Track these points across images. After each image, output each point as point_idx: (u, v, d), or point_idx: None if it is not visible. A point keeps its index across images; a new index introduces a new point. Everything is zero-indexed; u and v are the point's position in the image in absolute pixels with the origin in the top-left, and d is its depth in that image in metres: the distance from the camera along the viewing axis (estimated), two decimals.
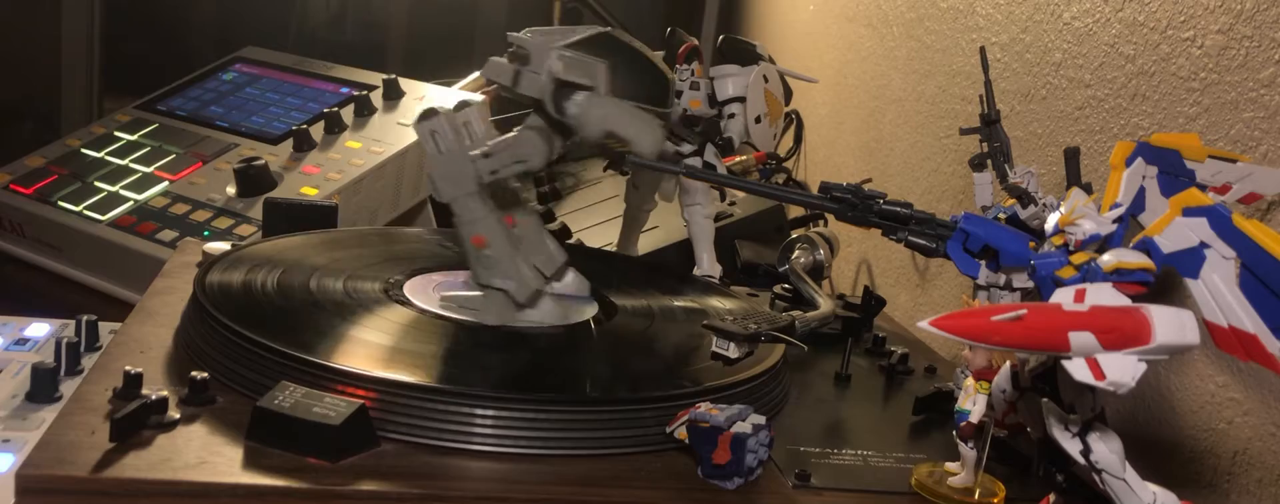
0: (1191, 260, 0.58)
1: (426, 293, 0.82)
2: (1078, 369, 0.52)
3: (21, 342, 0.85)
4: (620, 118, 0.76)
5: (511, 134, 0.78)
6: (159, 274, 0.90)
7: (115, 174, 1.31)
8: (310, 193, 1.22)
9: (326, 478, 0.58)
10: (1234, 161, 0.69)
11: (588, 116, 0.75)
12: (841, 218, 0.72)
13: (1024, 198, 0.70)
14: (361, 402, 0.62)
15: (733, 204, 1.25)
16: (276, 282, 0.80)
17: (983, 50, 0.86)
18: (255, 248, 0.89)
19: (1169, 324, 0.52)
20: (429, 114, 0.76)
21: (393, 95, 1.39)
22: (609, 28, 0.80)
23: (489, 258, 0.77)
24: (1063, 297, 0.55)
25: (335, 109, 1.35)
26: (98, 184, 1.30)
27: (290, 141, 1.32)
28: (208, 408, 0.64)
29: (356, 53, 1.73)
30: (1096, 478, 0.59)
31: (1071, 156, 0.72)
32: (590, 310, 0.84)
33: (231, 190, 1.24)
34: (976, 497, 0.65)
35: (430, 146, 0.76)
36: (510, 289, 0.78)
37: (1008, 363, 0.66)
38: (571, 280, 0.84)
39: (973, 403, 0.65)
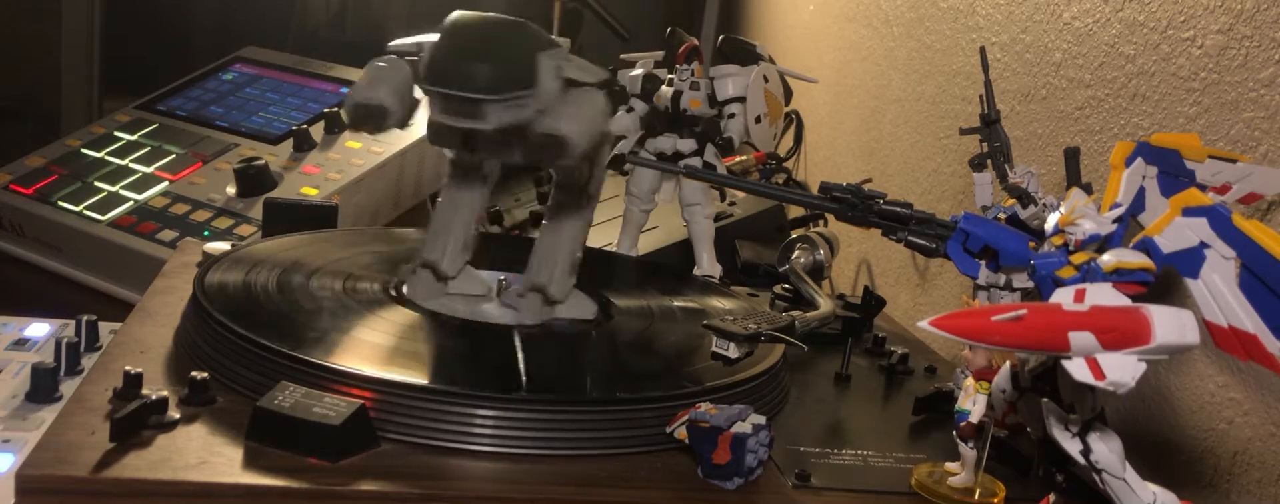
0: (1191, 260, 0.58)
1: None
2: (1078, 369, 0.52)
3: (21, 342, 0.85)
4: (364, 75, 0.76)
5: None
6: (159, 274, 0.90)
7: (115, 174, 1.31)
8: (310, 193, 1.22)
9: (326, 478, 0.58)
10: (1234, 161, 0.69)
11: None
12: (841, 218, 0.72)
13: (1024, 198, 0.70)
14: (361, 402, 0.62)
15: (733, 204, 1.25)
16: (276, 282, 0.80)
17: (983, 50, 0.86)
18: (255, 248, 0.89)
19: (1169, 324, 0.52)
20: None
21: None
22: (625, 33, 0.80)
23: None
24: (1063, 297, 0.55)
25: (335, 109, 1.35)
26: (98, 184, 1.30)
27: (290, 141, 1.32)
28: (208, 408, 0.64)
29: (356, 53, 1.73)
30: (1096, 478, 0.59)
31: (1071, 156, 0.72)
32: (590, 310, 0.84)
33: (231, 190, 1.24)
34: (976, 497, 0.65)
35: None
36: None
37: (1008, 363, 0.66)
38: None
39: (973, 403, 0.65)
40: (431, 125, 0.76)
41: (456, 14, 0.75)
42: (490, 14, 0.75)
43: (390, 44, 0.77)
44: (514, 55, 0.72)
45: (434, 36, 0.74)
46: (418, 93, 0.75)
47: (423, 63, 0.73)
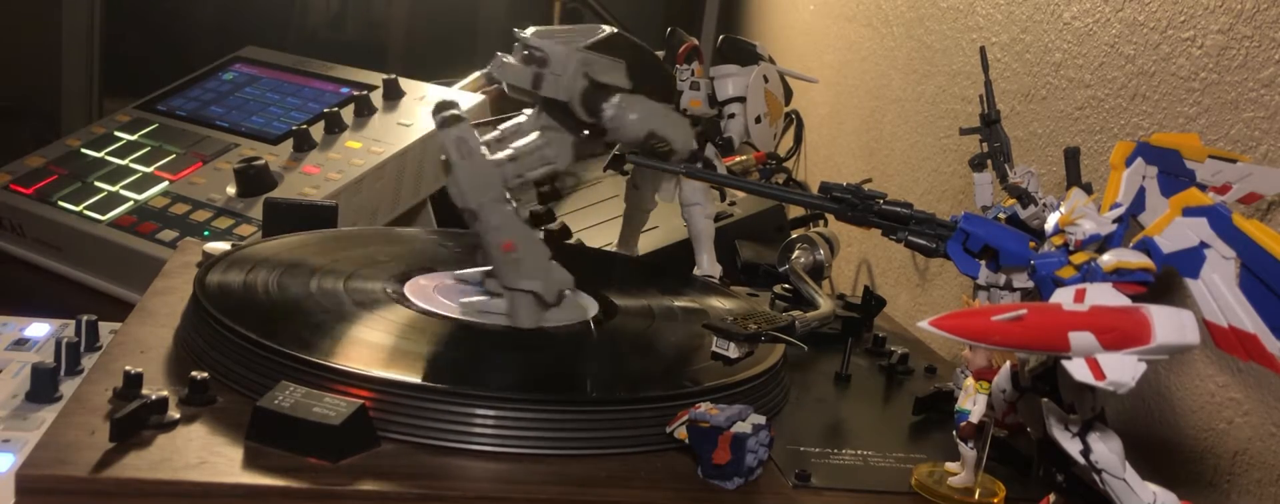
0: (1191, 260, 0.58)
1: (427, 293, 0.82)
2: (1078, 369, 0.52)
3: (21, 342, 0.85)
4: (659, 117, 0.78)
5: (532, 138, 0.78)
6: (159, 274, 0.90)
7: (115, 174, 1.31)
8: (310, 193, 1.22)
9: (326, 478, 0.58)
10: (1234, 161, 0.69)
11: (626, 117, 0.76)
12: (841, 218, 0.72)
13: (1024, 198, 0.70)
14: (361, 402, 0.62)
15: (733, 204, 1.25)
16: (276, 282, 0.80)
17: (983, 50, 0.86)
18: (255, 248, 0.89)
19: (1169, 324, 0.52)
20: (451, 120, 0.75)
21: (393, 95, 1.39)
22: (617, 29, 0.80)
23: (518, 261, 0.77)
24: (1063, 297, 0.55)
25: (335, 109, 1.35)
26: (98, 184, 1.30)
27: (290, 141, 1.32)
28: (208, 408, 0.64)
29: (356, 53, 1.73)
30: (1096, 478, 0.59)
31: (1071, 156, 0.72)
32: (592, 309, 0.84)
33: (231, 190, 1.24)
34: (976, 497, 0.65)
35: (454, 154, 0.75)
36: (538, 290, 0.78)
37: (1008, 363, 0.66)
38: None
39: (973, 403, 0.65)
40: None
41: (627, 38, 0.79)
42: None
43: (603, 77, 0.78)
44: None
45: (608, 62, 0.77)
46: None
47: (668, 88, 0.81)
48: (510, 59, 0.78)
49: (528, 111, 0.82)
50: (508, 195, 0.77)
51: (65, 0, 1.73)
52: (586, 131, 0.81)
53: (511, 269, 0.77)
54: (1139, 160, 0.67)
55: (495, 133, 0.80)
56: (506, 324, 0.79)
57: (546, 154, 0.78)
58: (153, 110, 1.46)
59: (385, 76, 1.41)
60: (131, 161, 1.34)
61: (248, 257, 0.85)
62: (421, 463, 0.61)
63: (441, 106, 0.76)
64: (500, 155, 0.77)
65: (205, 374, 0.65)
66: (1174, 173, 0.68)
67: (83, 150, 1.38)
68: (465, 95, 1.40)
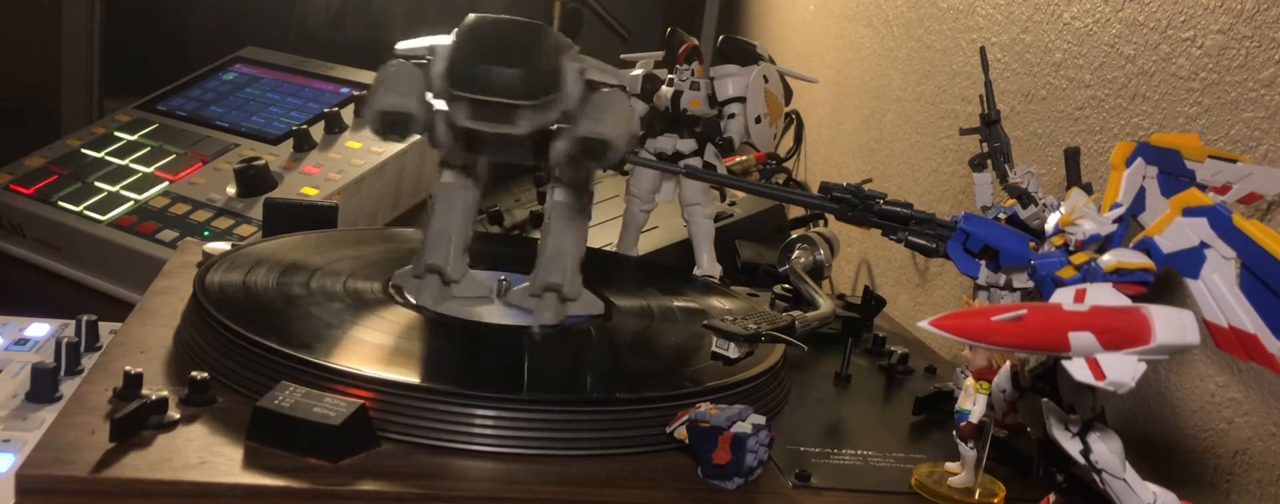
0: (1191, 260, 0.58)
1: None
2: (1078, 369, 0.52)
3: (21, 342, 0.85)
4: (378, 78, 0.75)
5: None
6: (159, 274, 0.90)
7: (115, 174, 1.31)
8: (310, 193, 1.22)
9: (326, 478, 0.58)
10: (1234, 161, 0.69)
11: None
12: (841, 218, 0.72)
13: (1024, 198, 0.70)
14: (361, 402, 0.62)
15: (733, 204, 1.25)
16: (276, 282, 0.80)
17: (983, 50, 0.86)
18: (255, 248, 0.89)
19: (1169, 324, 0.52)
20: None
21: None
22: (625, 33, 0.80)
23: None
24: (1063, 297, 0.55)
25: (335, 109, 1.35)
26: (98, 184, 1.30)
27: (290, 141, 1.32)
28: (208, 408, 0.64)
29: (356, 53, 1.73)
30: (1096, 478, 0.59)
31: (1071, 156, 0.72)
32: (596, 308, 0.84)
33: (231, 190, 1.24)
34: (976, 497, 0.65)
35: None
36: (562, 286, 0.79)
37: (1008, 363, 0.66)
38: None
39: (973, 403, 0.65)
40: (452, 131, 0.75)
41: (475, 17, 0.74)
42: (508, 17, 0.75)
43: (398, 47, 0.76)
44: (542, 58, 0.72)
45: (442, 39, 0.74)
46: (431, 97, 0.75)
47: (447, 67, 0.72)
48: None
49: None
50: None
51: (65, 0, 1.73)
52: None
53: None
54: (1139, 160, 0.67)
55: None
56: (526, 324, 0.79)
57: None
58: (153, 110, 1.46)
59: None
60: (131, 161, 1.34)
61: (248, 256, 0.85)
62: (421, 463, 0.61)
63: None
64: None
65: (205, 374, 0.65)
66: (1174, 173, 0.68)
67: (83, 150, 1.38)
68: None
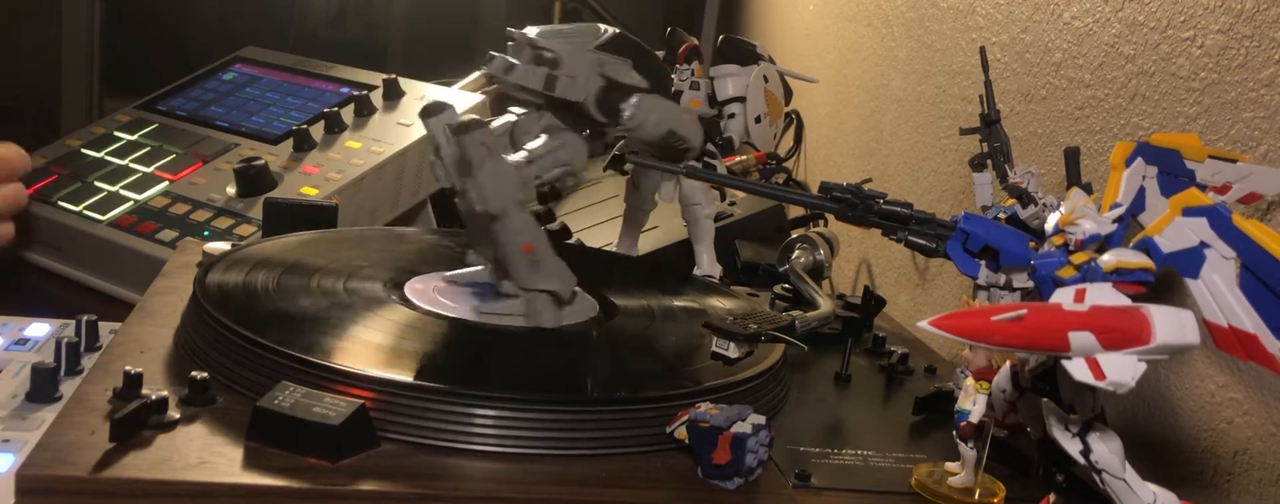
0: (1191, 260, 0.58)
1: (427, 293, 0.82)
2: (1078, 369, 0.52)
3: (21, 342, 0.85)
4: (676, 117, 0.79)
5: (544, 140, 0.78)
6: (159, 274, 0.90)
7: (115, 174, 1.31)
8: (310, 193, 1.22)
9: (326, 478, 0.58)
10: (1234, 161, 0.69)
11: (646, 117, 0.77)
12: (841, 218, 0.72)
13: (1024, 198, 0.70)
14: (361, 402, 0.62)
15: (733, 204, 1.25)
16: (276, 282, 0.80)
17: (983, 50, 0.86)
18: (255, 248, 0.89)
19: (1169, 324, 0.52)
20: (468, 125, 0.74)
21: (393, 95, 1.39)
22: (617, 29, 0.80)
23: (536, 262, 0.77)
24: (1063, 297, 0.55)
25: (335, 109, 1.35)
26: (98, 184, 1.29)
27: (290, 141, 1.32)
28: (208, 408, 0.64)
29: (356, 53, 1.73)
30: (1096, 478, 0.59)
31: (1071, 156, 0.72)
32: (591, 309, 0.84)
33: (231, 190, 1.24)
34: (976, 497, 0.65)
35: (476, 158, 0.73)
36: (557, 289, 0.78)
37: (1008, 363, 0.66)
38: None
39: (973, 403, 0.65)
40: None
41: (616, 34, 0.79)
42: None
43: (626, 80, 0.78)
44: None
45: (617, 62, 0.77)
46: None
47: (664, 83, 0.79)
48: (515, 60, 0.78)
49: (517, 111, 0.81)
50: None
51: (65, 0, 1.73)
52: (587, 131, 0.81)
53: (530, 270, 0.77)
54: (1139, 160, 0.67)
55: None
56: (523, 325, 0.79)
57: (562, 156, 0.78)
58: (153, 110, 1.46)
59: (385, 76, 1.41)
60: (131, 161, 1.33)
61: (248, 256, 0.85)
62: (421, 463, 0.61)
63: (438, 108, 0.75)
64: (516, 158, 0.76)
65: (205, 374, 0.65)
66: (1174, 173, 0.68)
67: (83, 150, 1.38)
68: (464, 95, 1.40)
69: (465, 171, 0.74)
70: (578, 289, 0.81)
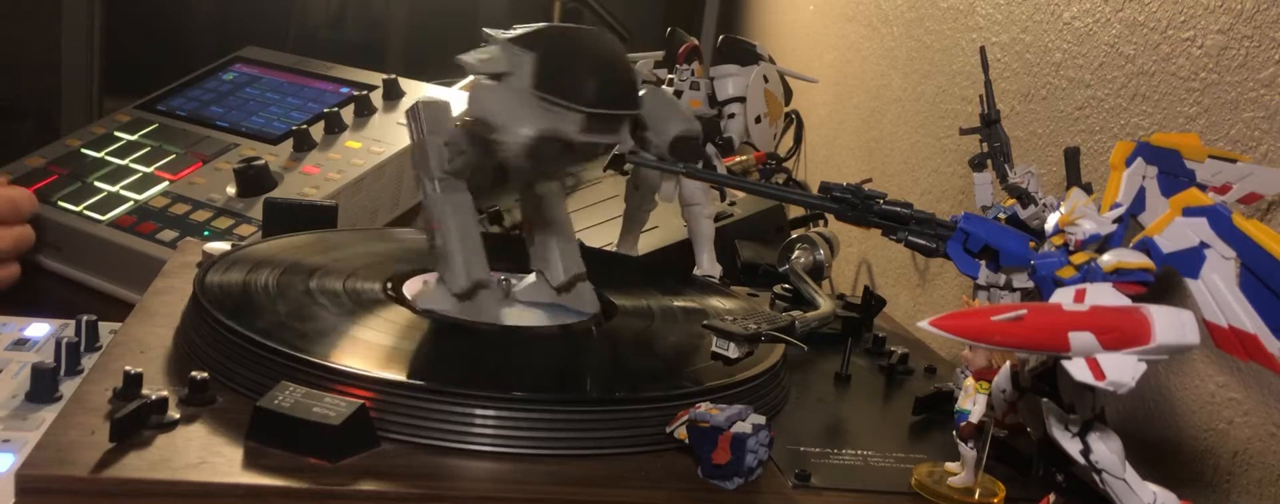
0: (1191, 260, 0.58)
1: (427, 293, 0.82)
2: (1078, 369, 0.52)
3: (21, 342, 0.85)
4: (487, 103, 0.72)
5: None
6: (159, 274, 0.90)
7: (115, 174, 1.31)
8: (310, 193, 1.22)
9: (326, 478, 0.58)
10: (1234, 161, 0.69)
11: (470, 99, 0.72)
12: (841, 218, 0.72)
13: (1024, 198, 0.70)
14: (361, 402, 0.62)
15: (733, 204, 1.25)
16: (276, 282, 0.80)
17: (983, 50, 0.86)
18: (255, 248, 0.89)
19: (1169, 324, 0.52)
20: (419, 108, 0.75)
21: (393, 95, 1.39)
22: (621, 30, 0.80)
23: (436, 247, 0.77)
24: (1063, 297, 0.55)
25: (335, 109, 1.35)
26: (98, 184, 1.30)
27: (290, 141, 1.32)
28: (208, 408, 0.64)
29: (356, 53, 1.73)
30: (1096, 478, 0.59)
31: (1071, 156, 0.72)
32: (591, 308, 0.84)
33: (231, 190, 1.24)
34: (976, 497, 0.65)
35: (414, 134, 0.74)
36: (447, 279, 0.78)
37: (1008, 363, 0.66)
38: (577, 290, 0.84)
39: (973, 403, 0.65)
40: (564, 145, 0.72)
41: (544, 26, 0.74)
42: (576, 26, 0.76)
43: (468, 62, 0.72)
44: (630, 66, 0.74)
45: (506, 52, 0.71)
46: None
47: (542, 81, 0.70)
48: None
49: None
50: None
51: (65, 0, 1.73)
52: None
53: (433, 252, 0.78)
54: (1139, 160, 0.67)
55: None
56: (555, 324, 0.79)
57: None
58: (153, 110, 1.46)
59: (385, 76, 1.41)
60: (131, 161, 1.34)
61: (248, 256, 0.85)
62: (421, 463, 0.61)
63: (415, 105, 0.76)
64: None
65: (205, 374, 0.65)
66: (1174, 173, 0.68)
67: (83, 150, 1.38)
68: (465, 95, 1.40)
69: (413, 155, 0.75)
70: (576, 288, 0.81)
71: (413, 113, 0.77)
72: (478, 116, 0.71)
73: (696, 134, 0.76)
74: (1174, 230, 0.59)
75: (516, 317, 0.81)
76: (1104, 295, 0.55)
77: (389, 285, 0.83)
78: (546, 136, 0.69)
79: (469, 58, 0.72)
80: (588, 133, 0.71)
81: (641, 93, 0.75)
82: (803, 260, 1.08)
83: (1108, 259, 0.58)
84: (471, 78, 1.52)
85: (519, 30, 0.74)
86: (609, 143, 0.74)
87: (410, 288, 0.83)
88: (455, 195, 0.78)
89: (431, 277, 0.84)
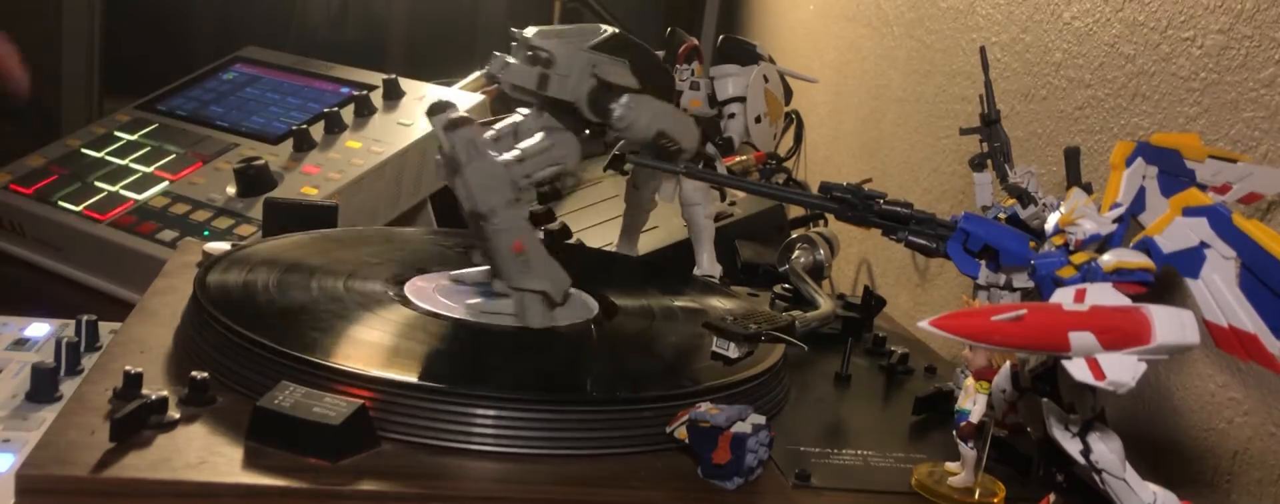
0: (1191, 260, 0.59)
1: (427, 293, 0.82)
2: (1078, 369, 0.52)
3: (21, 342, 0.85)
4: (668, 117, 0.79)
5: (538, 139, 0.78)
6: (159, 274, 0.90)
7: (115, 174, 1.31)
8: (310, 193, 1.22)
9: (326, 478, 0.58)
10: (1234, 161, 0.69)
11: (638, 117, 0.78)
12: (841, 218, 0.72)
13: (1024, 198, 0.70)
14: (361, 402, 0.62)
15: (733, 204, 1.25)
16: (276, 282, 0.80)
17: (983, 50, 0.86)
18: (255, 248, 0.89)
19: (1169, 324, 0.52)
20: (459, 122, 0.74)
21: (393, 95, 1.39)
22: (617, 29, 0.80)
23: (527, 262, 0.77)
24: (1063, 296, 0.55)
25: (335, 109, 1.35)
26: (98, 184, 1.30)
27: (290, 141, 1.32)
28: (208, 408, 0.64)
29: (356, 53, 1.73)
30: (1096, 478, 0.59)
31: (1071, 156, 0.72)
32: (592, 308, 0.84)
33: (231, 190, 1.24)
34: (976, 497, 0.65)
35: (463, 156, 0.73)
36: (548, 290, 0.78)
37: (1008, 363, 0.66)
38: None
39: (973, 403, 0.65)
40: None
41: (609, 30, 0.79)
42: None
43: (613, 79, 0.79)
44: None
45: (609, 62, 0.78)
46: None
47: (665, 79, 0.81)
48: (512, 59, 0.78)
49: (523, 111, 0.81)
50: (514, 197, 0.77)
51: (65, 0, 1.73)
52: (587, 131, 0.80)
53: (521, 270, 0.77)
54: (1139, 160, 0.67)
55: (491, 133, 0.79)
56: (515, 324, 0.78)
57: (554, 155, 0.78)
58: (153, 110, 1.46)
59: (385, 76, 1.41)
60: (131, 161, 1.34)
61: (248, 256, 0.85)
62: (421, 463, 0.61)
63: (441, 106, 0.75)
64: (507, 156, 0.76)
65: (205, 374, 0.65)
66: (1174, 173, 0.68)
67: (83, 150, 1.38)
68: (465, 95, 1.40)
69: (454, 170, 0.74)
70: (572, 289, 0.81)
71: (459, 139, 0.74)
72: (661, 130, 0.81)
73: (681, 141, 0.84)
74: (1174, 230, 0.59)
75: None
76: (1104, 295, 0.55)
77: (389, 285, 0.83)
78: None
79: (602, 72, 0.78)
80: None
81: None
82: (803, 260, 1.08)
83: (1108, 259, 0.58)
84: (473, 77, 1.52)
85: (574, 37, 0.79)
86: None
87: (412, 289, 0.83)
88: (526, 210, 0.79)
89: (448, 279, 0.84)
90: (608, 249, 1.12)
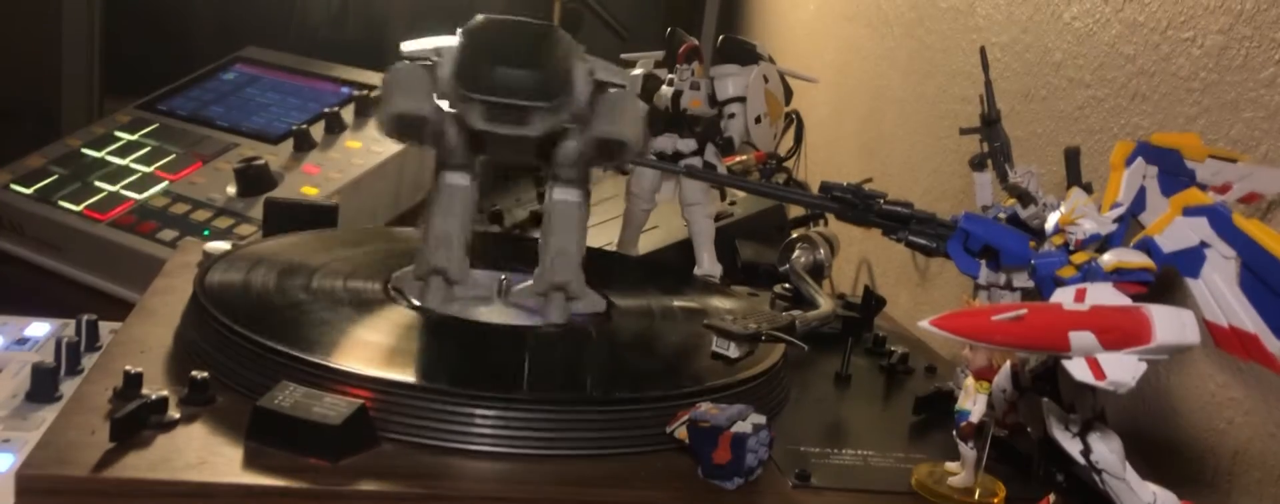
0: (1192, 260, 0.59)
1: (427, 293, 0.82)
2: (1078, 369, 0.52)
3: (21, 342, 0.85)
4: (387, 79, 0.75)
5: None
6: (159, 274, 0.90)
7: (115, 174, 1.31)
8: (310, 193, 1.22)
9: (326, 478, 0.58)
10: (1234, 161, 0.69)
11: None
12: (841, 218, 0.72)
13: (1024, 197, 0.70)
14: (361, 402, 0.62)
15: (733, 204, 1.25)
16: (276, 282, 0.80)
17: (983, 50, 0.86)
18: (255, 248, 0.89)
19: (1169, 324, 0.52)
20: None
21: None
22: (621, 30, 0.80)
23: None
24: (1063, 296, 0.55)
25: (335, 109, 1.35)
26: (98, 184, 1.30)
27: (290, 141, 1.32)
28: (208, 408, 0.64)
29: (356, 53, 1.73)
30: (1096, 478, 0.59)
31: (1072, 156, 0.72)
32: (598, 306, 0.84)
33: (231, 190, 1.24)
34: (976, 497, 0.65)
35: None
36: (572, 281, 0.79)
37: (1008, 363, 0.66)
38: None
39: (973, 403, 0.65)
40: (462, 133, 0.76)
41: (482, 18, 0.75)
42: (516, 18, 0.76)
43: (404, 48, 0.76)
44: (554, 60, 0.73)
45: (448, 40, 0.74)
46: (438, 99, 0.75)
47: (457, 69, 0.73)
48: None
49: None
50: None
51: (65, 0, 1.73)
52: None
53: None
54: (1139, 160, 0.67)
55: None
56: (530, 322, 0.79)
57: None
58: (153, 110, 1.46)
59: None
60: (131, 161, 1.34)
61: (248, 256, 0.85)
62: (421, 463, 0.61)
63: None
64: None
65: (205, 374, 0.65)
66: (1174, 173, 0.68)
67: (83, 150, 1.38)
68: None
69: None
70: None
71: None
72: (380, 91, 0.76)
73: (625, 140, 0.76)
74: (1174, 230, 0.59)
75: (487, 314, 0.80)
76: (1104, 295, 0.55)
77: (390, 287, 0.82)
78: (408, 115, 0.74)
79: (405, 45, 0.76)
80: (490, 121, 0.73)
81: (612, 92, 0.76)
82: (803, 260, 1.08)
83: (1108, 259, 0.58)
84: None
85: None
86: (510, 133, 0.73)
87: (412, 289, 0.83)
88: (449, 178, 0.79)
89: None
90: (608, 249, 1.12)
